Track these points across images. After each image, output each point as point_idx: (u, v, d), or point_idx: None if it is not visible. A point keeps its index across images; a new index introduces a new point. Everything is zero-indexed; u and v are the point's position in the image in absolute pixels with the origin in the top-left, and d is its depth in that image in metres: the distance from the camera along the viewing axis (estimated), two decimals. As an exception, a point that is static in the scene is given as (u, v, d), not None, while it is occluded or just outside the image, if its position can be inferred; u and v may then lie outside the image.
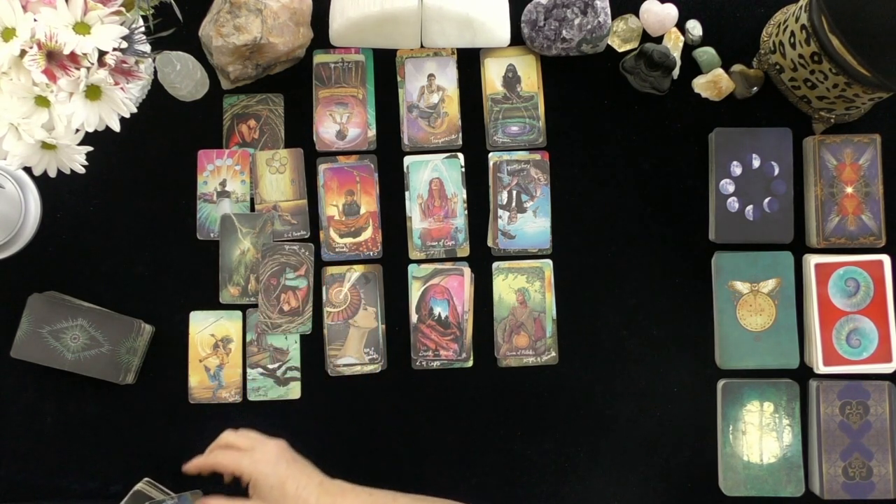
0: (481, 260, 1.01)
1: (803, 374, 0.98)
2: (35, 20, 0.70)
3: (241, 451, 0.82)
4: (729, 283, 0.98)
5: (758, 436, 0.96)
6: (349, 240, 1.01)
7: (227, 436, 0.85)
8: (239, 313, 0.99)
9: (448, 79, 1.03)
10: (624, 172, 1.02)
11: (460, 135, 1.02)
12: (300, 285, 0.99)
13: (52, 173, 0.78)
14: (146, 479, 0.95)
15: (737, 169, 0.99)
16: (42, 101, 0.73)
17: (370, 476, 0.98)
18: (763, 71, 1.02)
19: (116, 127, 0.77)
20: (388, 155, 1.02)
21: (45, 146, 0.76)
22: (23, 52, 0.70)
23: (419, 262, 1.00)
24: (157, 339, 0.99)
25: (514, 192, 1.01)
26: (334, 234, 1.00)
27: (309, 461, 0.83)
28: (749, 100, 1.02)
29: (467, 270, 1.00)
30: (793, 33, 0.94)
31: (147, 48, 0.80)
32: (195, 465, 0.83)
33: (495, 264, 1.00)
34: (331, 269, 1.00)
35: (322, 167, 1.01)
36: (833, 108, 0.98)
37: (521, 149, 1.02)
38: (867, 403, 0.96)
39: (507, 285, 1.00)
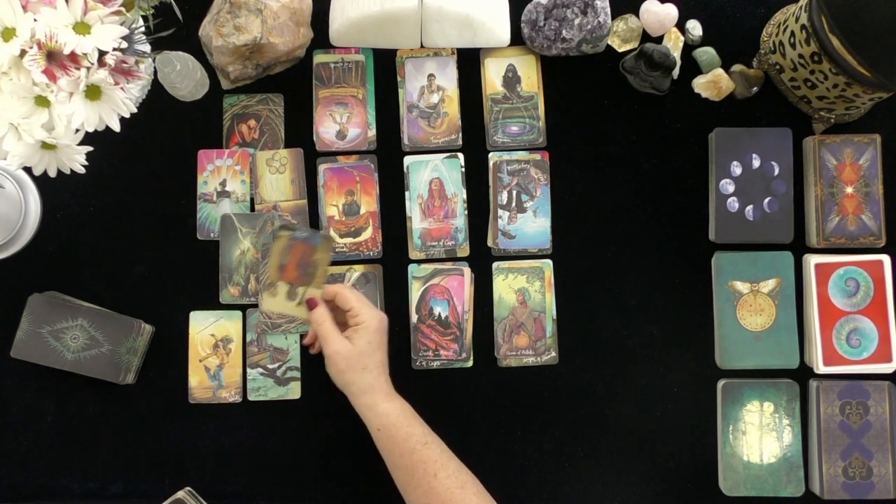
0: (481, 260, 1.01)
1: (803, 374, 0.98)
2: (35, 20, 0.70)
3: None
4: (729, 283, 0.98)
5: (758, 436, 0.96)
6: (349, 240, 1.01)
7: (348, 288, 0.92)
8: (239, 313, 0.99)
9: (448, 79, 1.03)
10: (624, 172, 1.02)
11: (460, 135, 1.02)
12: (300, 285, 0.99)
13: (52, 173, 0.78)
14: (188, 488, 0.95)
15: (737, 169, 0.99)
16: (42, 101, 0.73)
17: (370, 477, 0.98)
18: (763, 71, 1.02)
19: (116, 127, 0.77)
20: (388, 155, 1.02)
21: (45, 146, 0.76)
22: (23, 52, 0.70)
23: (419, 262, 1.00)
24: (157, 339, 0.99)
25: (514, 192, 1.01)
26: (334, 234, 1.00)
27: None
28: (749, 100, 1.02)
29: (467, 270, 1.00)
30: (793, 33, 0.94)
31: (147, 48, 0.80)
32: (327, 289, 0.92)
33: (495, 264, 1.00)
34: (331, 269, 1.00)
35: (322, 167, 1.01)
36: (833, 108, 0.98)
37: (521, 149, 1.02)
38: (867, 403, 0.96)
39: (507, 285, 1.00)
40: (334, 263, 1.00)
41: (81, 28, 0.72)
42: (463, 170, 1.01)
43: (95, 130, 0.76)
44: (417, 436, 0.85)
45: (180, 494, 0.93)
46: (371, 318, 0.88)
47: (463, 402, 0.99)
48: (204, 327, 0.99)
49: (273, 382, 0.98)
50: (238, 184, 1.01)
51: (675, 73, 1.02)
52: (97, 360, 0.94)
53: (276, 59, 0.99)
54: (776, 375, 0.98)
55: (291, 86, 1.03)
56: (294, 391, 0.99)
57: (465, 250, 1.01)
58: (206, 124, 1.02)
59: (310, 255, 0.91)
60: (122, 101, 0.76)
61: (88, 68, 0.72)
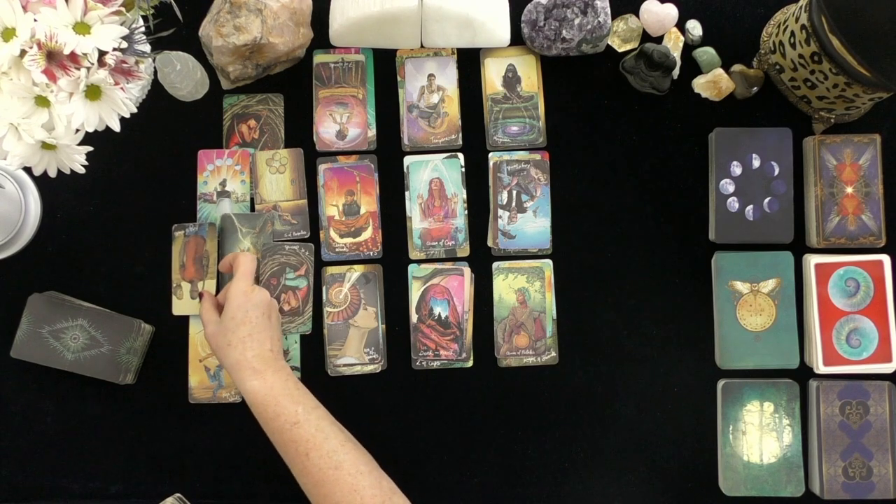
0: (481, 260, 1.01)
1: (803, 374, 0.98)
2: (35, 20, 0.70)
3: (249, 274, 0.89)
4: (729, 283, 0.98)
5: (758, 436, 0.96)
6: (349, 240, 1.01)
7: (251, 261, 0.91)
8: (239, 313, 0.99)
9: (448, 79, 1.03)
10: (624, 172, 1.02)
11: (460, 135, 1.02)
12: (300, 285, 0.99)
13: (52, 173, 0.78)
14: (177, 494, 0.95)
15: (737, 169, 0.99)
16: (42, 101, 0.73)
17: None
18: (763, 71, 1.02)
19: (116, 127, 0.77)
20: (388, 155, 1.02)
21: (45, 146, 0.76)
22: (23, 52, 0.70)
23: (419, 262, 1.00)
24: (157, 339, 0.99)
25: (514, 192, 1.01)
26: (334, 234, 1.00)
27: (280, 335, 0.89)
28: (749, 100, 1.02)
29: (467, 270, 1.00)
30: (793, 33, 0.94)
31: (147, 48, 0.80)
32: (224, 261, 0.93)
33: (495, 264, 1.00)
34: (331, 269, 1.00)
35: (322, 167, 1.01)
36: (833, 108, 0.98)
37: (521, 149, 1.02)
38: (867, 403, 0.96)
39: (507, 285, 1.00)
40: (335, 263, 1.00)
41: (81, 28, 0.72)
42: (463, 170, 1.01)
43: (95, 130, 0.76)
44: (287, 415, 0.82)
45: (169, 501, 0.93)
46: (234, 293, 0.86)
47: (463, 402, 0.99)
48: (204, 327, 0.99)
49: (273, 382, 0.98)
50: (238, 184, 1.01)
51: (675, 73, 1.02)
52: (97, 360, 0.94)
53: (276, 59, 0.99)
54: (776, 375, 0.98)
55: (291, 86, 1.03)
56: (294, 391, 0.98)
57: (465, 250, 1.01)
58: (206, 124, 1.02)
59: (202, 246, 0.93)
60: (122, 101, 0.76)
61: (88, 68, 0.72)
